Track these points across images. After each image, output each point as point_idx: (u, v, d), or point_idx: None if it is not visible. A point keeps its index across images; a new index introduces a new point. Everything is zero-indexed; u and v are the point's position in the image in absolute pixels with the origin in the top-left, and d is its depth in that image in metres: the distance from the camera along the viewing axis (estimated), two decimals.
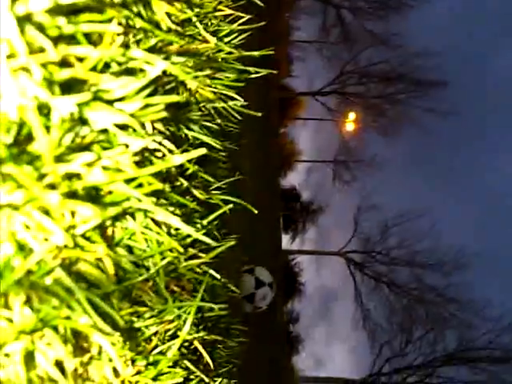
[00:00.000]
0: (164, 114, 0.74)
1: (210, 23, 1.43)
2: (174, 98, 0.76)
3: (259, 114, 1.47)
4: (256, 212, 1.45)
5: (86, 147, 0.74)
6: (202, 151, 0.74)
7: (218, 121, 1.49)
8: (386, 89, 25.33)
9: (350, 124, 26.20)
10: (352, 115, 26.14)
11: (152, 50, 0.99)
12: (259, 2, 1.51)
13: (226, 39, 1.51)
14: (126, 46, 0.86)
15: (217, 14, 1.47)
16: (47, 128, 0.66)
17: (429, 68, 23.56)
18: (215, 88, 1.42)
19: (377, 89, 25.53)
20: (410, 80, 24.58)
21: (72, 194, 0.70)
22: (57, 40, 0.63)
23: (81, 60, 0.66)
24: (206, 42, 1.30)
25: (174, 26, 1.01)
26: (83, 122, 0.72)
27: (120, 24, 0.77)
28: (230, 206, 1.14)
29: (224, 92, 1.44)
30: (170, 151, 0.99)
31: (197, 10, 1.28)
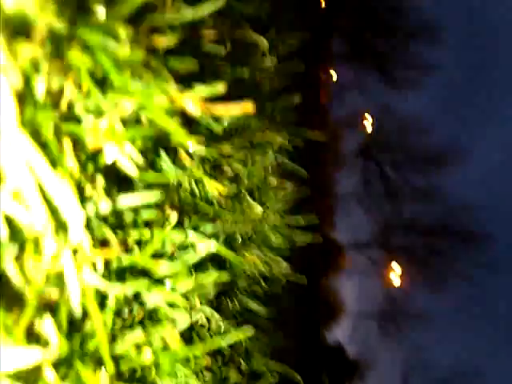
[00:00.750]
0: (212, 294, 0.76)
1: (256, 192, 1.50)
2: (222, 277, 0.79)
3: (305, 282, 1.49)
4: (299, 378, 1.42)
5: (137, 324, 0.76)
6: (249, 331, 0.75)
7: (263, 284, 1.50)
8: (431, 242, 25.13)
9: (395, 277, 25.72)
10: (397, 268, 25.76)
11: (203, 219, 1.03)
12: (303, 172, 1.59)
13: (272, 205, 1.56)
14: (179, 223, 0.91)
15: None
16: (101, 306, 0.68)
17: (474, 221, 23.43)
18: (261, 251, 1.46)
19: (421, 242, 25.36)
20: (454, 233, 24.40)
21: (119, 375, 0.71)
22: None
23: (139, 244, 0.70)
24: (253, 210, 1.36)
25: (223, 201, 1.07)
26: (136, 299, 0.75)
27: (174, 206, 0.83)
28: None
29: (270, 257, 1.47)
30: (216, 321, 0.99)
31: (245, 181, 1.35)
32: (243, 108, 0.53)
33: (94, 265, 0.55)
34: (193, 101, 0.51)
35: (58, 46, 0.44)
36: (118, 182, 0.68)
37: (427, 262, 24.65)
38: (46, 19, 0.39)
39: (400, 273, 25.15)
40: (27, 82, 0.43)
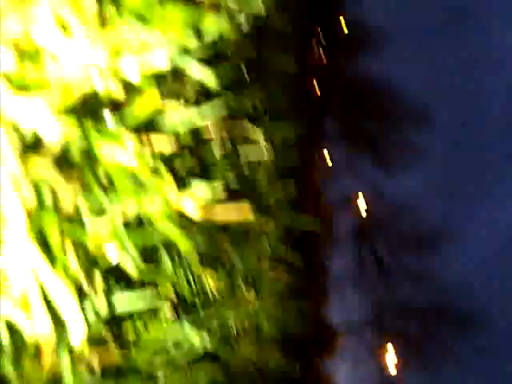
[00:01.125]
0: None
1: (250, 280, 1.50)
2: (216, 374, 0.79)
3: (298, 369, 1.47)
4: None
5: None
6: None
7: (256, 373, 1.48)
8: (427, 325, 24.71)
9: (389, 360, 25.06)
10: (392, 351, 25.15)
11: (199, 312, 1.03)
12: (298, 260, 1.60)
13: (266, 292, 1.56)
14: (175, 316, 0.91)
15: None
16: None
17: (471, 304, 23.12)
18: (255, 341, 1.45)
19: (417, 324, 24.94)
20: (451, 316, 24.02)
21: None
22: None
23: (135, 340, 0.71)
24: (248, 299, 1.36)
25: (219, 293, 1.07)
26: None
27: (170, 300, 0.83)
28: None
29: (264, 347, 1.46)
30: None
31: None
32: (241, 212, 0.55)
33: (90, 364, 0.56)
34: (192, 205, 0.53)
35: (68, 155, 0.47)
36: (115, 276, 0.69)
37: (423, 346, 24.16)
38: (60, 137, 0.42)
39: (395, 356, 24.62)
40: (36, 190, 0.45)
